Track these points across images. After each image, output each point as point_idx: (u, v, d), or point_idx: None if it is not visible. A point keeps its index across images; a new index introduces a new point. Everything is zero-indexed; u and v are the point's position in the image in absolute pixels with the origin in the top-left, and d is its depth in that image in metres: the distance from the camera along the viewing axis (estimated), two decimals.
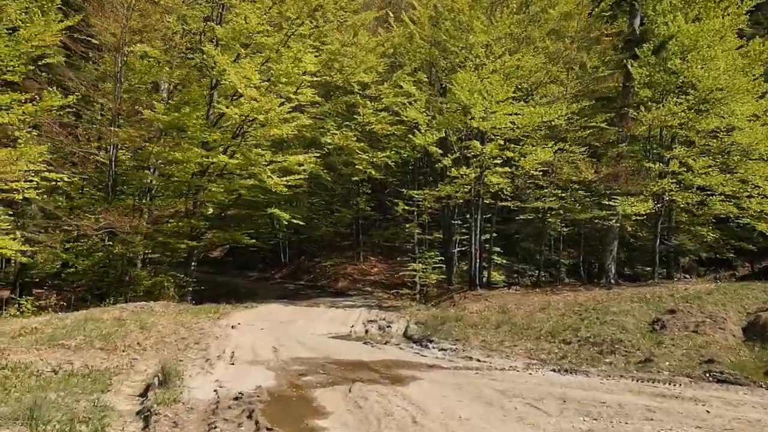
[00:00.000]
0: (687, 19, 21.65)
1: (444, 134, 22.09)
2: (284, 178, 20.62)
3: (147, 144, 20.28)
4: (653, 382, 10.91)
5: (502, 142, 21.06)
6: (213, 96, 20.96)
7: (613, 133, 23.76)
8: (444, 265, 24.93)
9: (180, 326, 14.70)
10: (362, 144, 23.64)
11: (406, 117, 22.43)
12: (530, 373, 11.61)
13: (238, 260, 37.92)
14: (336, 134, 23.03)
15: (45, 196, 20.50)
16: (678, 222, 25.29)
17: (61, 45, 21.30)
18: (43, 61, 17.67)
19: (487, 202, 22.71)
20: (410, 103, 22.38)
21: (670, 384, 10.80)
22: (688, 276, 26.47)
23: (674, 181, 21.46)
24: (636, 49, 22.86)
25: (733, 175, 21.41)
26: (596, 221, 22.66)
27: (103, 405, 8.07)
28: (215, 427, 7.41)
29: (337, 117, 25.58)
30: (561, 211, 23.38)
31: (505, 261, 25.85)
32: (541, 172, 21.74)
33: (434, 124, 22.07)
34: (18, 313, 18.34)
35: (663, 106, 21.27)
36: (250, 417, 7.88)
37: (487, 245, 23.63)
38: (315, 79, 20.99)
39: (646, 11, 23.81)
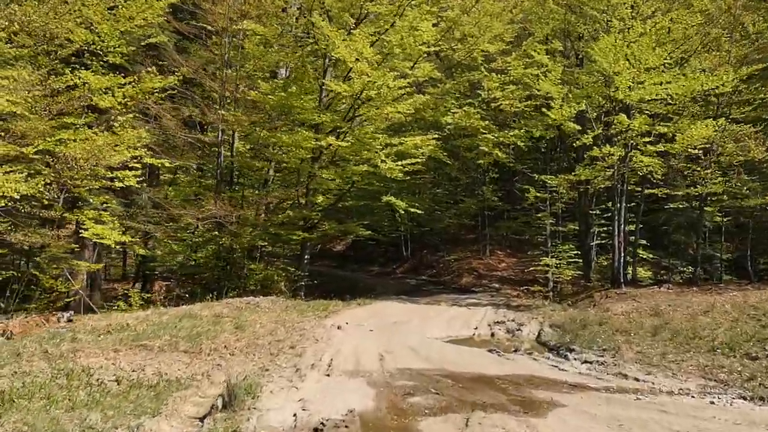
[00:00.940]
0: None
1: (583, 108, 19.05)
2: (399, 162, 18.64)
3: (256, 128, 19.06)
4: None
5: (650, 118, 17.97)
6: (326, 74, 19.37)
7: None
8: (580, 260, 22.14)
9: (280, 325, 13.07)
10: (487, 122, 21.05)
11: (539, 90, 19.65)
12: (712, 402, 8.70)
13: (360, 254, 36.99)
14: (457, 113, 20.62)
15: (151, 187, 20.01)
16: None
17: (173, 30, 20.72)
18: (146, 42, 16.73)
19: (631, 188, 19.90)
20: (544, 75, 19.52)
21: None
22: None
23: None
24: None
25: None
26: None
27: None
28: None
29: (459, 96, 23.18)
30: (725, 197, 19.69)
31: (651, 256, 22.61)
32: (700, 152, 18.32)
33: (571, 97, 19.13)
34: (127, 306, 17.78)
35: None
36: None
37: (632, 237, 20.55)
38: (433, 49, 18.76)
39: None
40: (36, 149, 13.67)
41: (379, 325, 14.51)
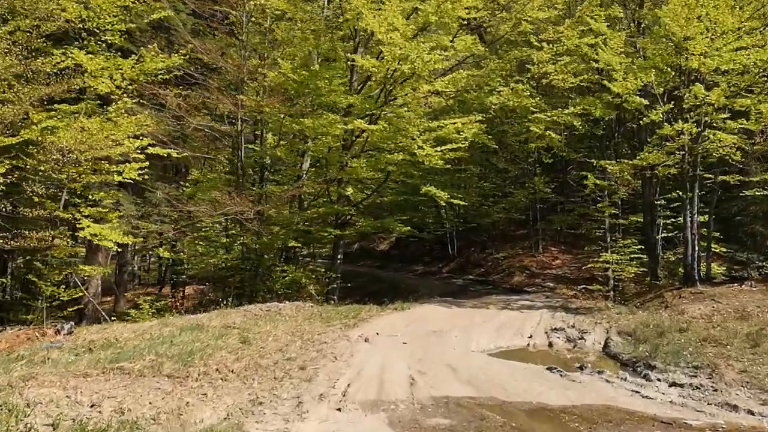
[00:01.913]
0: None
1: (651, 79, 16.43)
2: (439, 148, 16.45)
3: (280, 114, 17.08)
4: None
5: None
6: (357, 53, 17.33)
7: None
8: (643, 256, 19.56)
9: (296, 338, 11.01)
10: (537, 99, 18.55)
11: (597, 62, 17.12)
12: None
13: (404, 253, 35.09)
14: (503, 91, 18.20)
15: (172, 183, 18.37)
16: None
17: (190, 13, 18.99)
18: (149, 19, 14.90)
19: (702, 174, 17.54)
20: (603, 43, 16.95)
21: None
22: None
23: None
24: None
25: None
26: None
27: None
28: None
29: (505, 75, 20.76)
30: None
31: (724, 249, 19.86)
32: None
33: (635, 68, 16.52)
34: (138, 314, 16.08)
35: None
36: None
37: (705, 230, 18.16)
38: (474, 15, 16.50)
39: None
40: (20, 140, 12.01)
41: (416, 334, 12.30)
